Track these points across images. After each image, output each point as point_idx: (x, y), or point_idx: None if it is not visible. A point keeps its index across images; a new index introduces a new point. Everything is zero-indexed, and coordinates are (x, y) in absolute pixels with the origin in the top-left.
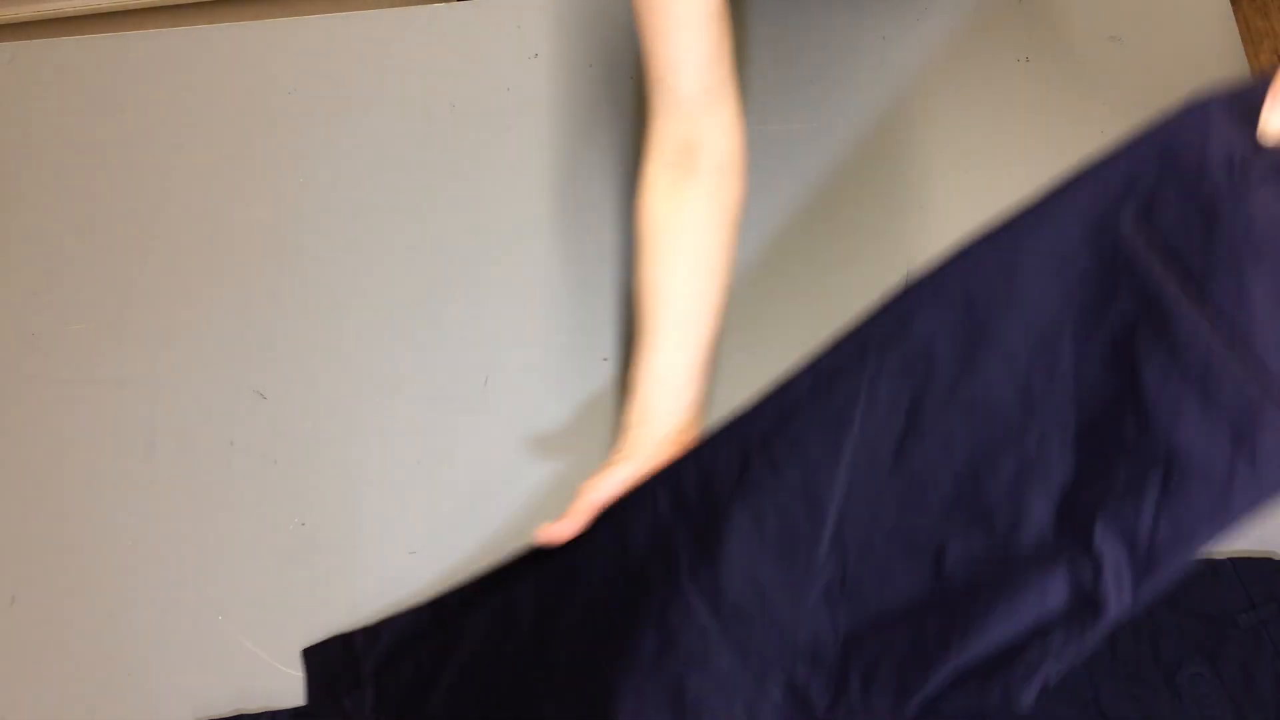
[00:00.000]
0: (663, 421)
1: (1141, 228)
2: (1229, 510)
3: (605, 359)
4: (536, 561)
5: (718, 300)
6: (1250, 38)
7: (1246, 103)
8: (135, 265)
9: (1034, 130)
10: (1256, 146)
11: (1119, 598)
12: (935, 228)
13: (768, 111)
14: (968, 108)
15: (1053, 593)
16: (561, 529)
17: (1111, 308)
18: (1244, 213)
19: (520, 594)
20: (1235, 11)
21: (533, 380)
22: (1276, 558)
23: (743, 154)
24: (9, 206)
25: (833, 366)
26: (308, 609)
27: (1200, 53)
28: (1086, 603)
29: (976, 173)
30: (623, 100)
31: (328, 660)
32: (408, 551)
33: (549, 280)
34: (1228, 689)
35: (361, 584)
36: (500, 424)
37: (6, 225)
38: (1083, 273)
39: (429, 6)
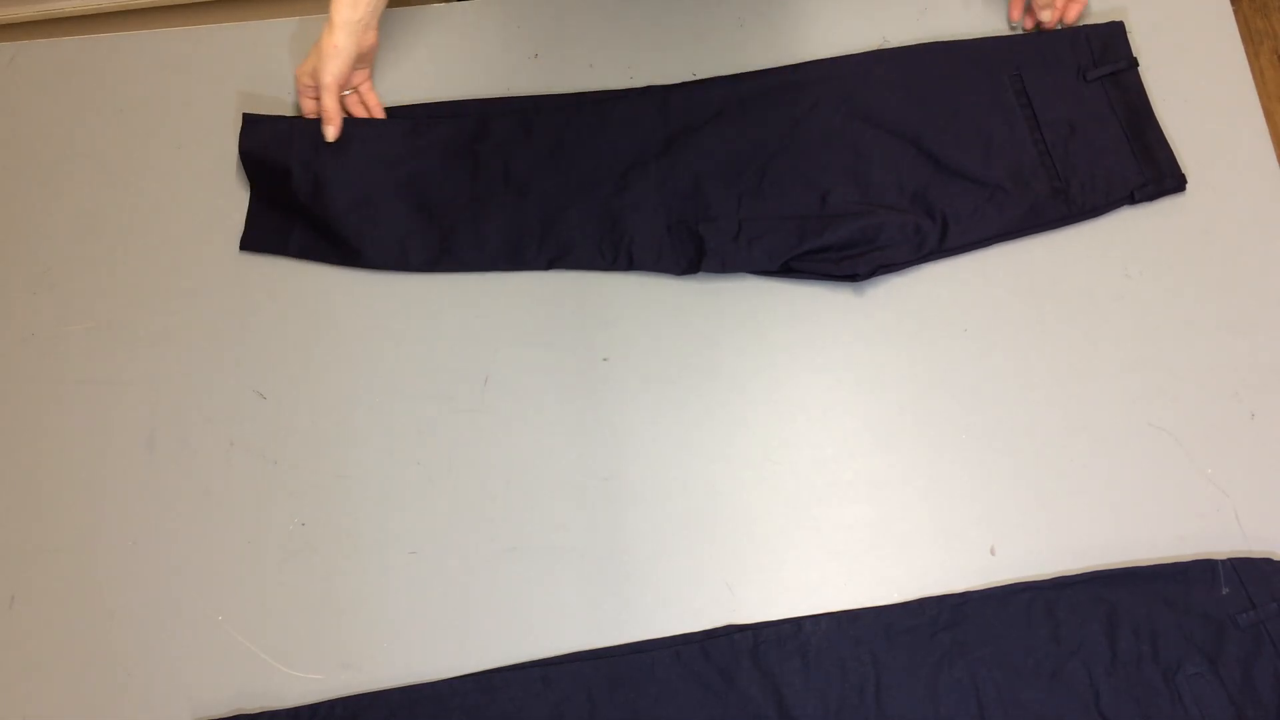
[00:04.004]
0: (337, 11)
1: None
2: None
3: (605, 359)
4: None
5: None
6: (1250, 38)
7: None
8: (135, 265)
9: None
10: None
11: (931, 242)
12: None
13: None
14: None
15: (894, 226)
16: (330, 129)
17: None
18: None
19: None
20: (1235, 11)
21: (533, 380)
22: (1276, 558)
23: None
24: (9, 206)
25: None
26: (308, 609)
27: (1200, 53)
28: (913, 236)
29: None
30: None
31: None
32: (408, 551)
33: (549, 280)
34: (1228, 689)
35: (361, 584)
36: (500, 424)
37: (6, 225)
38: None
39: (429, 6)
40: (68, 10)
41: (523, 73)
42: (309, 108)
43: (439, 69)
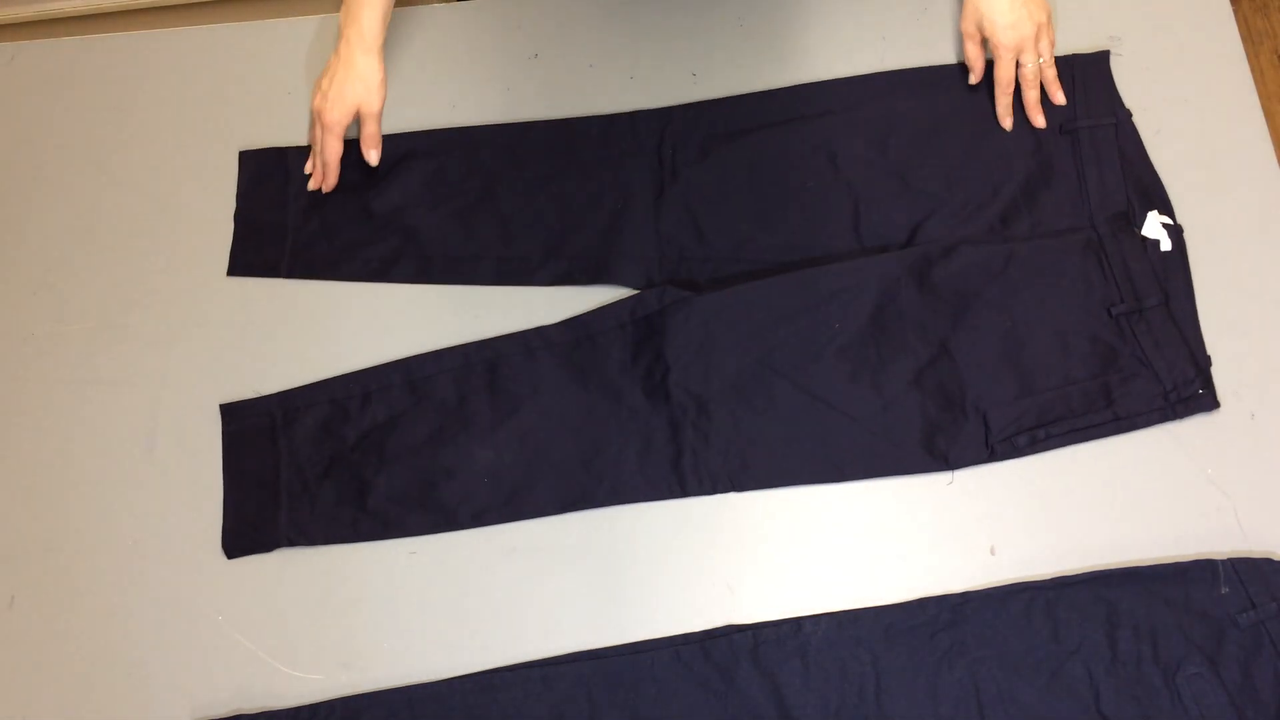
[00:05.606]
0: (371, 35)
1: None
2: None
3: None
4: None
5: None
6: (1250, 38)
7: None
8: (135, 265)
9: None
10: None
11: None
12: None
13: None
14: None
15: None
16: (327, 177)
17: None
18: None
19: None
20: (1235, 11)
21: None
22: (1276, 558)
23: None
24: (9, 206)
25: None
26: (308, 609)
27: (1200, 53)
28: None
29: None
30: (623, 100)
31: None
32: (408, 552)
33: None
34: (1228, 689)
35: (361, 584)
36: None
37: (6, 225)
38: None
39: (429, 6)
40: (68, 10)
41: (523, 73)
42: (333, 148)
43: (439, 69)
